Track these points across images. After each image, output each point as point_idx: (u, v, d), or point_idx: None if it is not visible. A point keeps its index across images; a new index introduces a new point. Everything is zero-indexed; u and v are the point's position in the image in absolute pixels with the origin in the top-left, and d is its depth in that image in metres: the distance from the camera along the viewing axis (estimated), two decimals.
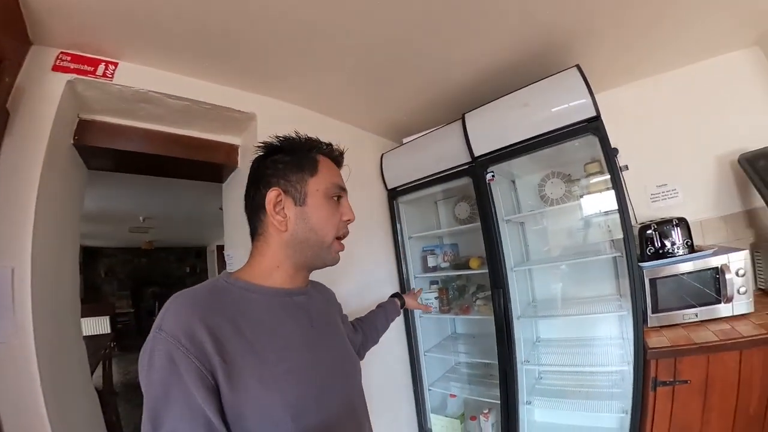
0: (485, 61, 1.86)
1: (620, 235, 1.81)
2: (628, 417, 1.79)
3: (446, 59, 1.79)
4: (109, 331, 5.34)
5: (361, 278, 2.12)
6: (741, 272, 1.76)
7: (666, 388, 1.70)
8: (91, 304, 5.93)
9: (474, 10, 1.46)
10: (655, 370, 1.72)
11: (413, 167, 2.30)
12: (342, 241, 0.89)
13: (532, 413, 2.24)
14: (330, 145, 0.92)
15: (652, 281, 1.84)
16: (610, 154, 1.78)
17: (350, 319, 1.31)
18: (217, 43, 1.45)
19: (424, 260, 2.52)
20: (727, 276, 1.75)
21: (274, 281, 0.81)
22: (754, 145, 2.06)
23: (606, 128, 1.95)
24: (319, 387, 0.76)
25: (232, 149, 2.00)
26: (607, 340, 2.04)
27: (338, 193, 0.87)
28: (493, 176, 2.00)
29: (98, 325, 5.41)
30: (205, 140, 1.89)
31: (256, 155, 0.89)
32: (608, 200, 1.85)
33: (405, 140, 2.37)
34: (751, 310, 1.78)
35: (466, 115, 2.03)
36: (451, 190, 2.45)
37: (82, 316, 1.75)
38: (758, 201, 1.96)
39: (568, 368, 2.11)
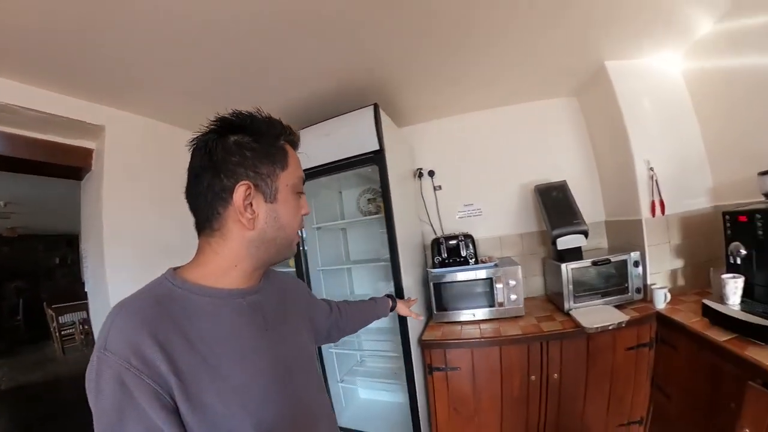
0: (315, 85, 2.11)
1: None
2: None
3: (284, 77, 1.99)
4: None
5: None
6: (512, 283, 2.22)
7: (440, 373, 2.13)
8: None
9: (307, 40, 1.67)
10: (429, 358, 2.13)
11: None
12: None
13: (356, 391, 2.64)
14: (292, 130, 0.83)
15: (436, 285, 2.28)
16: (384, 181, 2.11)
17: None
18: (67, 58, 1.52)
19: None
20: (498, 285, 2.21)
21: (228, 282, 0.75)
22: (552, 178, 2.55)
23: (426, 152, 2.36)
24: (279, 393, 0.74)
25: (88, 153, 2.05)
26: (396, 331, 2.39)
27: (301, 188, 0.83)
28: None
29: None
30: (63, 144, 1.98)
31: (208, 130, 0.75)
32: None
33: None
34: (522, 314, 2.26)
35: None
36: None
37: None
38: None
39: (378, 353, 2.54)
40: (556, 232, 2.25)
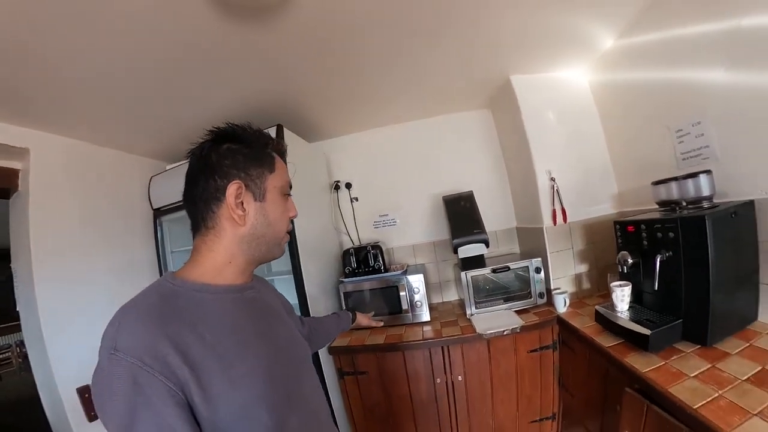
0: (231, 107, 2.13)
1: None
2: None
3: (199, 98, 2.00)
4: None
5: (123, 289, 2.16)
6: (417, 290, 2.33)
7: (351, 377, 2.22)
8: None
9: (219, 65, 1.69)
10: (339, 363, 2.23)
11: (173, 191, 2.35)
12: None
13: None
14: (280, 142, 0.93)
15: (346, 294, 2.38)
16: None
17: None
18: None
19: None
20: (402, 293, 2.31)
21: (225, 278, 0.80)
22: (466, 187, 2.67)
23: (344, 165, 2.63)
24: (283, 377, 0.79)
25: (14, 173, 2.15)
26: None
27: (288, 191, 0.90)
28: None
29: None
30: None
31: (203, 140, 0.84)
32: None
33: (168, 167, 2.61)
34: (428, 319, 2.36)
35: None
36: None
37: None
38: None
39: None
40: (456, 241, 2.35)
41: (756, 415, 0.98)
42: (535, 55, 2.18)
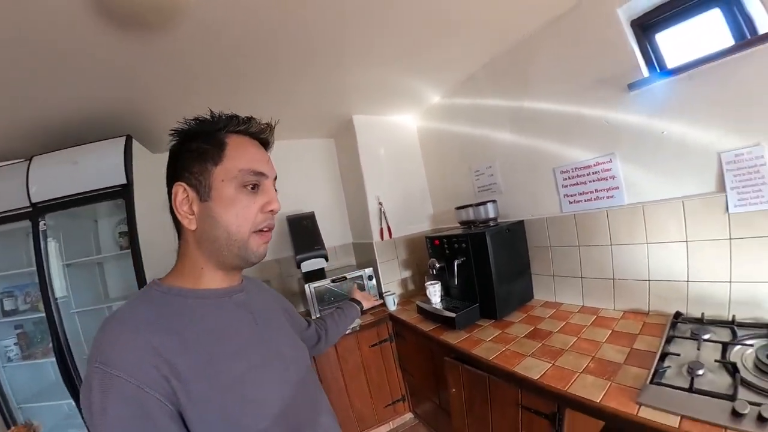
0: (72, 107, 1.85)
1: None
2: None
3: (37, 96, 1.71)
4: None
5: None
6: None
7: None
8: None
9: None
10: None
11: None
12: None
13: None
14: (249, 120, 0.78)
15: None
16: (131, 217, 2.03)
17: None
18: None
19: (1, 303, 2.22)
20: None
21: (206, 283, 0.75)
22: (310, 207, 2.95)
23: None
24: (276, 382, 0.74)
25: None
26: None
27: (253, 181, 0.74)
28: (45, 224, 2.04)
29: None
30: None
31: (171, 144, 0.77)
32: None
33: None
34: None
35: (34, 157, 2.01)
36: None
37: None
38: None
39: None
40: (299, 257, 2.64)
41: (529, 356, 1.53)
42: (375, 102, 2.65)
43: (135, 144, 2.14)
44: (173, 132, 0.76)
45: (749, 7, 1.34)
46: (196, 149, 0.73)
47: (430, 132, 3.02)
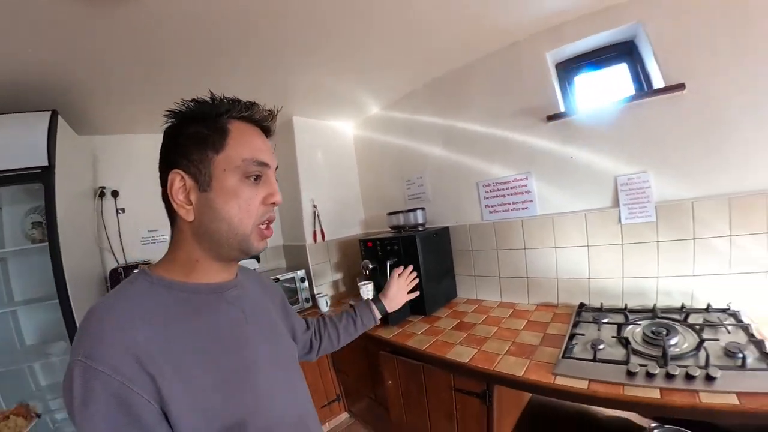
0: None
1: None
2: None
3: None
4: None
5: None
6: None
7: None
8: None
9: None
10: None
11: None
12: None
13: None
14: (251, 105, 0.73)
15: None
16: (50, 205, 1.79)
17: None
18: None
19: None
20: None
21: (199, 276, 0.71)
22: None
23: (112, 168, 2.47)
24: (261, 386, 0.70)
25: None
26: None
27: (256, 172, 0.70)
28: None
29: None
30: None
31: (166, 125, 0.71)
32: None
33: None
34: None
35: None
36: None
37: None
38: None
39: None
40: None
41: (457, 344, 1.73)
42: (316, 106, 2.72)
43: (60, 121, 1.91)
44: (169, 113, 0.70)
45: (648, 66, 1.71)
46: (195, 134, 0.68)
47: (366, 141, 3.18)
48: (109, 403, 0.52)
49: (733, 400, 1.01)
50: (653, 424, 1.16)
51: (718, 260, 1.57)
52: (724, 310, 1.50)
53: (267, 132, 0.77)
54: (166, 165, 0.69)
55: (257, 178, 0.71)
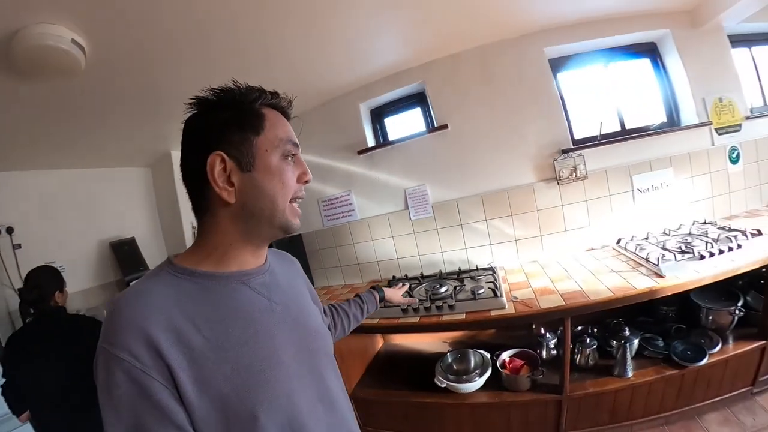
0: None
1: None
2: None
3: None
4: None
5: None
6: None
7: None
8: None
9: None
10: None
11: None
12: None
13: None
14: (276, 93, 0.76)
15: None
16: None
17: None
18: None
19: None
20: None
21: (229, 264, 0.71)
22: (130, 233, 3.21)
23: (7, 207, 2.57)
24: (279, 381, 0.68)
25: None
26: None
27: (292, 151, 0.75)
28: None
29: None
30: None
31: (189, 113, 0.72)
32: None
33: None
34: None
35: None
36: None
37: None
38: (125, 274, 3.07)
39: None
40: (128, 278, 2.98)
41: None
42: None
43: None
44: (194, 100, 0.72)
45: (432, 111, 2.66)
46: (231, 119, 0.70)
47: None
48: (129, 387, 0.54)
49: (462, 317, 1.88)
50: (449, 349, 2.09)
51: (480, 236, 2.59)
52: (486, 269, 2.43)
53: (288, 118, 0.81)
54: (199, 150, 0.68)
55: (293, 157, 0.75)
